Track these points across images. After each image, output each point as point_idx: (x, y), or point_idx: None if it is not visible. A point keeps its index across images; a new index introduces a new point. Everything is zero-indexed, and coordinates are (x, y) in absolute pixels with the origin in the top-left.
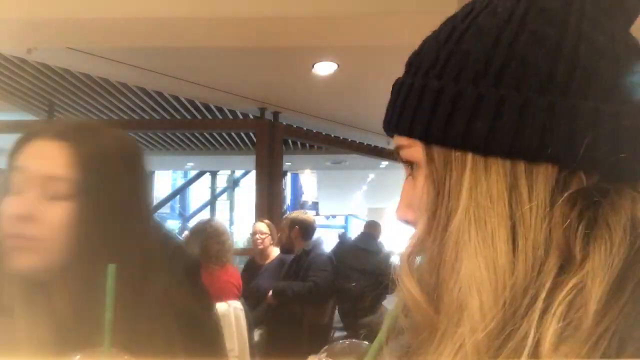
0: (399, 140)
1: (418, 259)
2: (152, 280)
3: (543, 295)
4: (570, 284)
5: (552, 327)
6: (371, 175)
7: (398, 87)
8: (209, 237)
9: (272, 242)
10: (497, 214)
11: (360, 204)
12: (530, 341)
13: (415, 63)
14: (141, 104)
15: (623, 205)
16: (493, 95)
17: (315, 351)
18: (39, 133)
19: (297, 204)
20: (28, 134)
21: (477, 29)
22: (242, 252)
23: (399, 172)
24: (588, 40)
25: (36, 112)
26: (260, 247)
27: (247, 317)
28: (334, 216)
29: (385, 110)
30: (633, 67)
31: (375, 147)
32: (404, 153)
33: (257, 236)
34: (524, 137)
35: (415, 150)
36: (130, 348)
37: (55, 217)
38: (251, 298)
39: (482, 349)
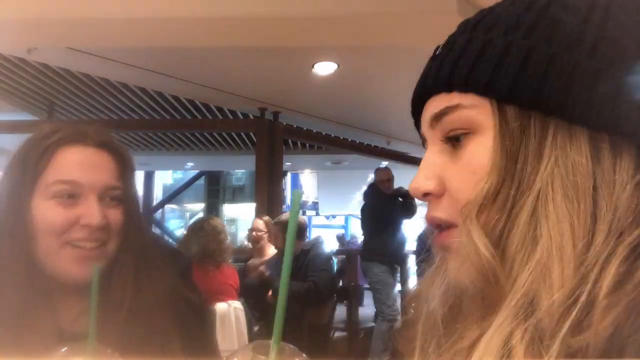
0: (454, 99)
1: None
2: (160, 273)
3: (615, 261)
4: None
5: (611, 273)
6: (371, 175)
7: (463, 42)
8: (206, 235)
9: (269, 239)
10: (582, 183)
11: (360, 204)
12: (584, 296)
13: (485, 21)
14: (141, 104)
15: None
16: (590, 66)
17: (316, 351)
18: (74, 140)
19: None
20: (53, 142)
21: (564, 3)
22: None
23: (399, 172)
24: None
25: (36, 112)
26: (257, 244)
27: (247, 317)
28: (334, 216)
29: (428, 70)
30: None
31: (375, 147)
32: (461, 115)
33: (254, 233)
34: (615, 113)
35: (479, 112)
36: (135, 337)
37: (116, 220)
38: (251, 292)
39: (556, 319)
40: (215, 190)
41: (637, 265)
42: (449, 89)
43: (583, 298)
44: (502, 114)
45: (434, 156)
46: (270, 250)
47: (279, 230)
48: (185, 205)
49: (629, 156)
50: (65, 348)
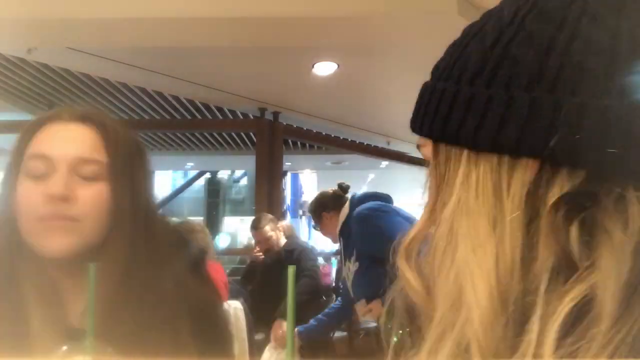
0: (419, 139)
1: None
2: (165, 270)
3: (540, 299)
4: (573, 293)
5: (553, 336)
6: (371, 175)
7: (422, 90)
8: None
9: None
10: (482, 205)
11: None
12: (531, 347)
13: (439, 69)
14: (141, 104)
15: (617, 209)
16: (483, 93)
17: (319, 350)
18: (54, 118)
19: (297, 204)
20: (39, 120)
21: (481, 37)
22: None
23: (399, 172)
24: (582, 38)
25: (36, 112)
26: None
27: (247, 317)
28: None
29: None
30: (633, 64)
31: (375, 147)
32: (422, 151)
33: (263, 243)
34: (506, 131)
35: (427, 148)
36: (137, 340)
37: (90, 197)
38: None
39: (484, 341)
40: (215, 203)
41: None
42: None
43: (531, 345)
44: (435, 148)
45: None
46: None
47: (260, 236)
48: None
49: (524, 175)
50: (65, 347)
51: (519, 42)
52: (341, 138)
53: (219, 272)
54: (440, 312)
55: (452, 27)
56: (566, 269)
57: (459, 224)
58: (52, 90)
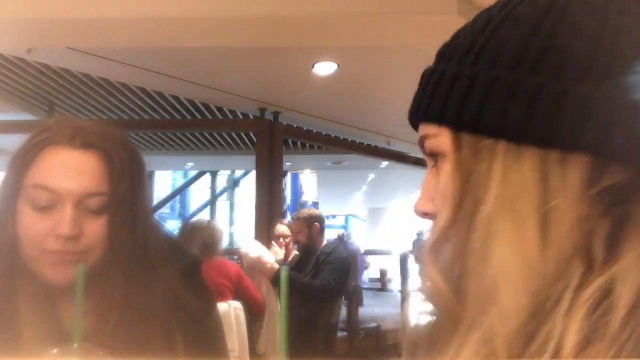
0: (426, 129)
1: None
2: (158, 277)
3: (569, 292)
4: (595, 284)
5: (575, 328)
6: (371, 175)
7: (427, 76)
8: (195, 237)
9: (294, 244)
10: (529, 203)
11: (360, 204)
12: (553, 341)
13: (447, 52)
14: (141, 104)
15: None
16: (530, 82)
17: (324, 351)
18: (57, 141)
19: (297, 204)
20: (41, 141)
21: (515, 18)
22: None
23: (399, 172)
24: (628, 33)
25: (36, 112)
26: (284, 249)
27: (247, 317)
28: (333, 216)
29: (412, 101)
30: None
31: (375, 147)
32: (430, 143)
33: (281, 240)
34: (559, 126)
35: (442, 139)
36: (131, 345)
37: (96, 230)
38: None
39: (512, 341)
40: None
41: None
42: (421, 119)
43: (542, 336)
44: (456, 141)
45: (428, 178)
46: (293, 252)
47: (302, 226)
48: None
49: (579, 171)
50: (56, 350)
51: (565, 32)
52: (341, 138)
53: (228, 266)
54: (471, 312)
55: (452, 27)
56: (589, 260)
57: (500, 224)
58: (52, 90)
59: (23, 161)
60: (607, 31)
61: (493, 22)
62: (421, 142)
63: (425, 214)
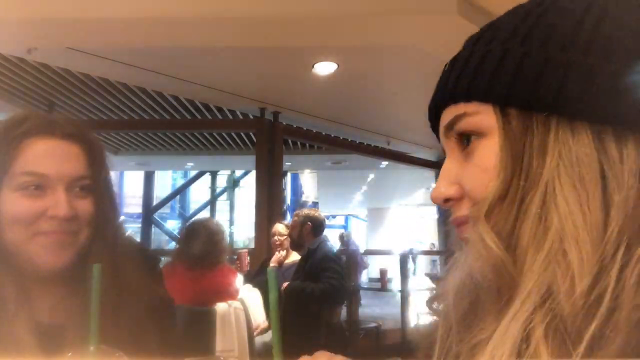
0: (461, 108)
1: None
2: (129, 274)
3: (630, 269)
4: None
5: (630, 283)
6: (371, 175)
7: (462, 59)
8: (201, 238)
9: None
10: (588, 172)
11: (360, 204)
12: (606, 306)
13: (486, 35)
14: (141, 104)
15: None
16: (584, 63)
17: (334, 350)
18: (41, 132)
19: (297, 204)
20: (22, 133)
21: (561, 8)
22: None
23: (399, 172)
24: None
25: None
26: (279, 248)
27: (247, 317)
28: (333, 216)
29: (437, 88)
30: None
31: (375, 147)
32: (468, 122)
33: (276, 237)
34: (615, 105)
35: (483, 116)
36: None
37: (86, 211)
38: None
39: (578, 304)
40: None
41: None
42: (455, 100)
43: (607, 296)
44: (504, 117)
45: (450, 164)
46: (293, 255)
47: (296, 224)
48: (185, 205)
49: (635, 146)
50: (71, 353)
51: (612, 22)
52: (341, 138)
53: (227, 278)
54: (531, 276)
55: (452, 27)
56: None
57: (564, 192)
58: (51, 90)
59: (6, 152)
60: None
61: (536, 11)
62: (451, 125)
63: (446, 201)
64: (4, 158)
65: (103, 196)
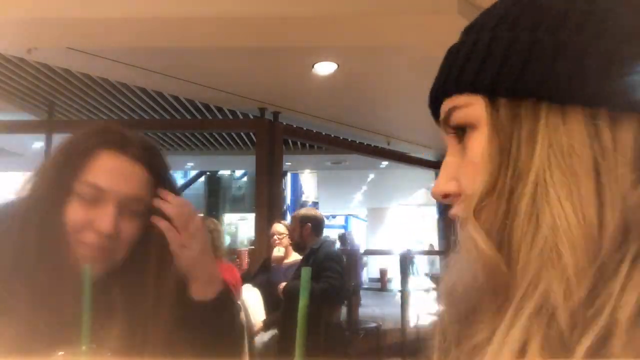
0: (454, 100)
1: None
2: (166, 276)
3: (627, 263)
4: None
5: (631, 300)
6: (371, 175)
7: (455, 50)
8: None
9: (290, 243)
10: (582, 162)
11: (360, 203)
12: (608, 310)
13: (477, 25)
14: (141, 104)
15: None
16: (574, 42)
17: (333, 350)
18: (112, 147)
19: (297, 204)
20: (93, 144)
21: None
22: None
23: (399, 172)
24: None
25: (36, 112)
26: (278, 246)
27: (246, 317)
28: (334, 216)
29: (435, 80)
30: None
31: (375, 147)
32: (459, 114)
33: (276, 237)
34: (609, 85)
35: (474, 108)
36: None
37: (129, 232)
38: (271, 298)
39: (574, 305)
40: (215, 201)
41: None
42: (448, 93)
43: (607, 310)
44: (493, 107)
45: (450, 158)
46: (293, 254)
47: (296, 224)
48: None
49: (630, 130)
50: (62, 352)
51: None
52: (341, 138)
53: (231, 273)
54: (524, 277)
55: (452, 27)
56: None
57: (554, 184)
58: (52, 90)
59: (81, 160)
60: None
61: None
62: (446, 119)
63: (446, 196)
64: (77, 164)
65: (148, 218)
